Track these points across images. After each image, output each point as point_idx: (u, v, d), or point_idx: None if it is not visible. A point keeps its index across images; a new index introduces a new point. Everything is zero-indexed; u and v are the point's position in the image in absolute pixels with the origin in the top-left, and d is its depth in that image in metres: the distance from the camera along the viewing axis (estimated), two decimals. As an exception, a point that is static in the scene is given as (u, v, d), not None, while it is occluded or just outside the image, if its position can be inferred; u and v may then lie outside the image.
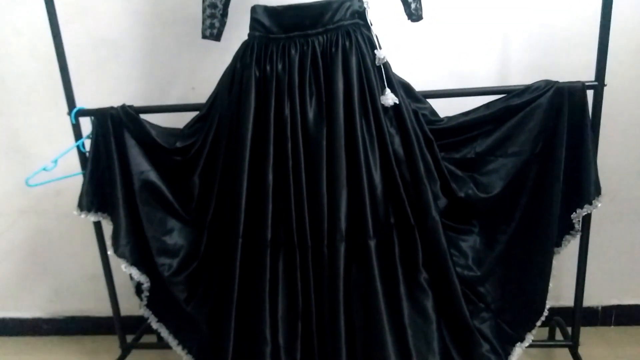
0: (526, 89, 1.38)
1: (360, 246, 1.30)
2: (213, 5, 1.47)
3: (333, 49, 1.30)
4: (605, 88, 1.38)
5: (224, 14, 1.49)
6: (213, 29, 1.49)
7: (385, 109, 1.32)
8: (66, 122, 1.60)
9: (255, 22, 1.35)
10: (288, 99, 1.31)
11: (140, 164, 1.50)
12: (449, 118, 1.43)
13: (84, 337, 2.16)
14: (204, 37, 1.50)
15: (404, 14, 1.41)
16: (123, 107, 1.51)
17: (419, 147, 1.34)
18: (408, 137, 1.34)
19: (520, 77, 1.71)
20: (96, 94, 1.84)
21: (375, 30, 1.34)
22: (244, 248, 1.36)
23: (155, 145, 1.49)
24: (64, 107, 1.59)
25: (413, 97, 1.42)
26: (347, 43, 1.29)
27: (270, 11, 1.32)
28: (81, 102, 1.60)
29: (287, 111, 1.31)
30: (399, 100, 1.32)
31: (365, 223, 1.28)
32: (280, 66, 1.32)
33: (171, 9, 1.79)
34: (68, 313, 2.18)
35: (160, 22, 1.81)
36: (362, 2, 1.34)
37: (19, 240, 2.11)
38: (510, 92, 1.40)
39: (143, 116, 1.53)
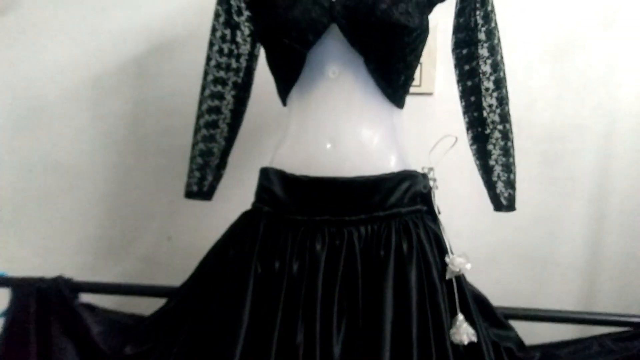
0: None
1: None
2: (207, 153, 1.03)
3: (382, 251, 0.83)
4: None
5: (222, 165, 1.05)
6: (203, 184, 1.05)
7: (455, 346, 0.84)
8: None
9: (264, 192, 0.90)
10: (303, 319, 0.83)
11: (70, 375, 0.99)
12: (543, 353, 0.95)
13: None
14: (189, 195, 1.05)
15: (489, 199, 0.97)
16: (56, 282, 1.03)
17: (502, 406, 0.85)
18: (487, 391, 0.84)
19: (619, 276, 1.27)
20: (40, 233, 1.39)
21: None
22: None
23: (96, 349, 0.99)
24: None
25: (492, 319, 0.94)
26: (405, 244, 0.83)
27: (290, 181, 0.87)
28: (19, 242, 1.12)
29: (299, 338, 0.82)
30: (477, 335, 0.84)
31: None
32: (296, 266, 0.85)
33: (152, 134, 1.36)
34: None
35: (136, 149, 1.37)
36: (428, 180, 0.89)
37: None
38: (637, 326, 0.93)
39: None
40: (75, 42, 1.33)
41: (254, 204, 0.92)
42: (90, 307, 1.06)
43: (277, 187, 0.88)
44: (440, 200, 0.90)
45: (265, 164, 0.92)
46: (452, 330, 0.83)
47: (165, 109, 1.33)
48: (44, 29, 1.33)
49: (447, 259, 0.85)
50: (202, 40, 1.17)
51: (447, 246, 0.86)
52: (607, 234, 1.27)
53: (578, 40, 1.24)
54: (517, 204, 0.98)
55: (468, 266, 0.84)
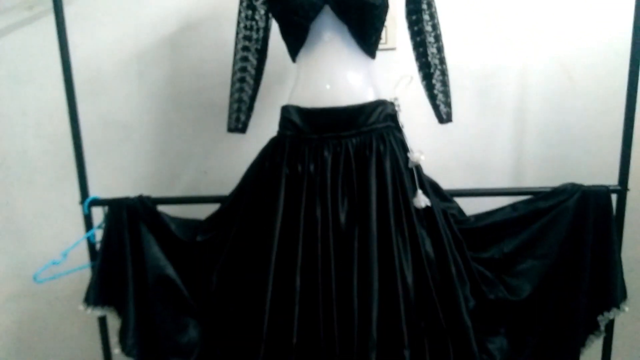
0: (552, 192, 1.40)
1: (394, 356, 1.25)
2: (240, 101, 1.46)
3: (367, 152, 1.28)
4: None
5: (250, 108, 1.48)
6: (239, 122, 1.48)
7: (417, 210, 1.31)
8: (67, 202, 1.52)
9: (286, 122, 1.33)
10: (319, 199, 1.28)
11: (157, 259, 1.43)
12: (476, 217, 1.43)
13: None
14: (230, 130, 1.48)
15: (434, 117, 1.43)
16: (140, 198, 1.46)
17: (450, 249, 1.32)
18: (439, 239, 1.31)
19: (535, 172, 1.75)
20: (104, 175, 1.79)
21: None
22: (266, 353, 1.29)
23: (174, 239, 1.43)
24: (67, 187, 1.53)
25: (441, 196, 1.41)
26: (382, 146, 1.29)
27: (304, 112, 1.31)
28: (89, 184, 1.54)
29: (318, 212, 1.28)
30: (431, 202, 1.31)
31: (400, 330, 1.24)
32: (312, 167, 1.29)
33: (187, 94, 1.77)
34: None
35: (175, 106, 1.79)
36: (394, 105, 1.34)
37: (6, 325, 1.98)
38: (536, 194, 1.42)
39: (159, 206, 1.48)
40: (122, 25, 1.73)
41: (279, 131, 1.36)
42: (167, 216, 1.49)
43: (295, 117, 1.32)
44: (408, 125, 1.34)
45: (278, 108, 1.34)
46: (414, 199, 1.30)
47: (196, 74, 1.75)
48: (95, 17, 1.73)
49: (409, 154, 1.31)
50: (221, 19, 1.59)
51: (409, 147, 1.32)
52: (527, 144, 1.75)
53: (503, 7, 1.69)
54: (461, 126, 1.42)
55: (423, 157, 1.30)
